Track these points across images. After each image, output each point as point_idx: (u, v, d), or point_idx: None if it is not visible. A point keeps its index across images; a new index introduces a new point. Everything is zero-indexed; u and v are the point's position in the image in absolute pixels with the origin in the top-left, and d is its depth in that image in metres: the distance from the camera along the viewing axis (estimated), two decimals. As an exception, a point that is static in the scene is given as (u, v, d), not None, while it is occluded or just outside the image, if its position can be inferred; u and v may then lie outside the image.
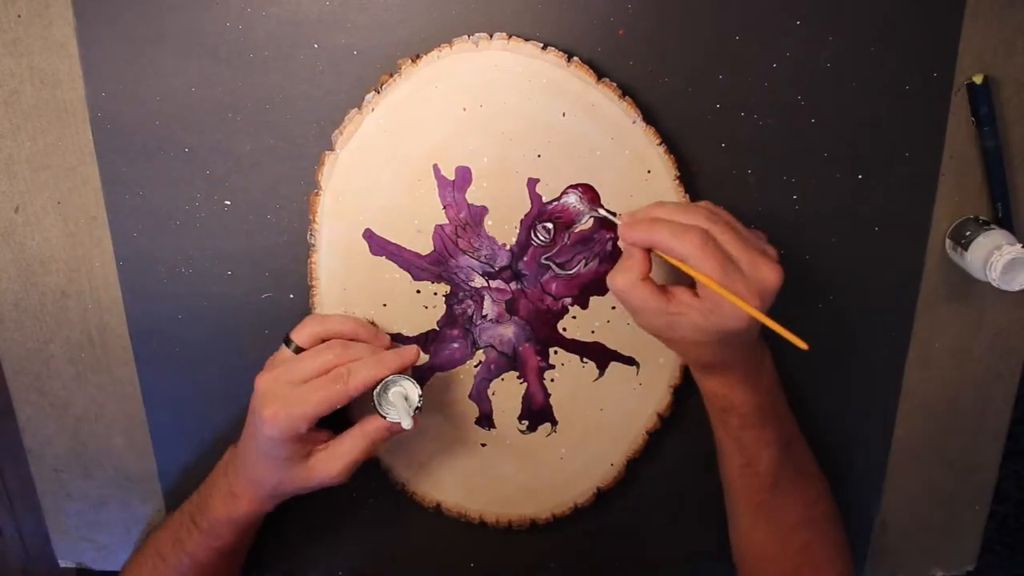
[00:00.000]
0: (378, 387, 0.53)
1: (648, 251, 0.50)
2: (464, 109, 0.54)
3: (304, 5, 0.55)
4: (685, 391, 0.61)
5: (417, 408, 0.53)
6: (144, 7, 0.55)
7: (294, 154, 0.58)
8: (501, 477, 0.64)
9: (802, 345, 0.46)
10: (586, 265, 0.58)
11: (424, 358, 0.60)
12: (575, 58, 0.53)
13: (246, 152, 0.58)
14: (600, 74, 0.54)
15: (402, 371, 0.53)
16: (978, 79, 0.55)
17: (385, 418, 0.53)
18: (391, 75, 0.54)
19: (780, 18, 0.55)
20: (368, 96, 0.55)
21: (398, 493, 0.64)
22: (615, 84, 0.54)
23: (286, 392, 0.52)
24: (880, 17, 0.55)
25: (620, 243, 0.51)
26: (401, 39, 0.55)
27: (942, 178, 0.58)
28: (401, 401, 0.53)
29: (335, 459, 0.54)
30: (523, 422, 0.62)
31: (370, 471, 0.64)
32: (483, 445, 0.63)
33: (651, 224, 0.49)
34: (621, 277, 0.50)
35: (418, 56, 0.54)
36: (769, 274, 0.48)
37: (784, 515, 0.58)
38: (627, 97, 0.54)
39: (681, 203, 0.51)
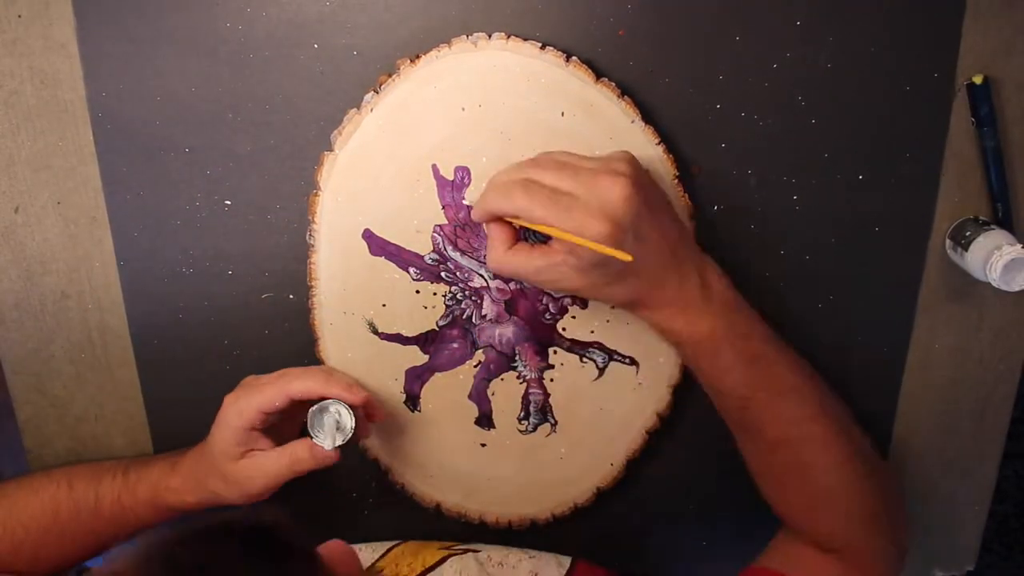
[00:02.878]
0: (315, 407, 0.54)
1: (508, 222, 0.51)
2: (463, 109, 0.54)
3: (304, 5, 0.55)
4: (685, 391, 0.61)
5: (347, 438, 0.54)
6: (144, 7, 0.55)
7: (294, 154, 0.58)
8: (501, 477, 0.64)
9: (626, 258, 0.45)
10: (586, 265, 0.58)
11: (423, 358, 0.61)
12: (574, 58, 0.53)
13: (246, 152, 0.58)
14: (599, 74, 0.54)
15: (345, 400, 0.54)
16: (978, 79, 0.55)
17: (312, 439, 0.54)
18: (390, 75, 0.54)
19: (780, 18, 0.55)
20: (367, 96, 0.55)
21: (398, 493, 0.64)
22: (614, 84, 0.54)
23: (248, 386, 0.56)
24: (880, 17, 0.55)
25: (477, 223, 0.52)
26: (401, 39, 0.55)
27: (942, 178, 0.58)
28: (332, 427, 0.54)
29: (257, 473, 0.55)
30: (523, 422, 0.62)
31: (370, 471, 0.64)
32: (483, 445, 0.63)
33: (483, 196, 0.50)
34: (490, 255, 0.51)
35: (417, 56, 0.54)
36: (609, 188, 0.47)
37: (761, 434, 0.56)
38: (626, 97, 0.54)
39: (511, 165, 0.51)
